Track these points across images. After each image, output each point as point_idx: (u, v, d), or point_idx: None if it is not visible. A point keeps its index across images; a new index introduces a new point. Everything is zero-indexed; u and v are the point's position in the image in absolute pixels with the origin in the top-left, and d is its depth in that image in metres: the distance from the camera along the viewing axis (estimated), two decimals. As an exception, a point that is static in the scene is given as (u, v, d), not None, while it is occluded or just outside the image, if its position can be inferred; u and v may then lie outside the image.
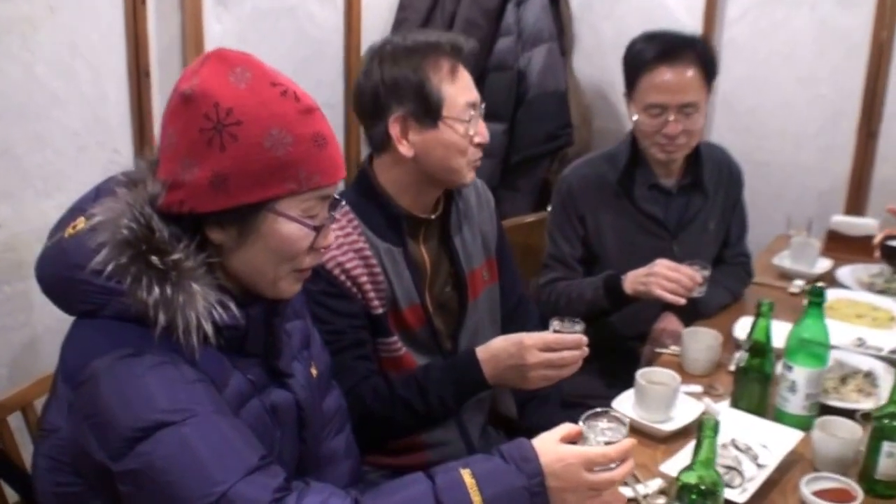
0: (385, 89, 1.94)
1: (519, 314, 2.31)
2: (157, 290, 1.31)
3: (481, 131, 1.99)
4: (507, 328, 2.22)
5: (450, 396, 1.95)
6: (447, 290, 2.12)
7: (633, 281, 2.42)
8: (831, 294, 2.72)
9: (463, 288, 2.12)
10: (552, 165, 3.64)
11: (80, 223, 1.40)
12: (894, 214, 2.35)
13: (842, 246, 3.12)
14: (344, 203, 1.96)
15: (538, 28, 3.48)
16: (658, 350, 2.45)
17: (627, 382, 2.38)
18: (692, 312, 2.53)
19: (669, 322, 2.58)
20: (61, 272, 1.39)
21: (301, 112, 1.40)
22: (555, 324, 1.91)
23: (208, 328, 1.34)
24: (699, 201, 2.69)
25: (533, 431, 2.19)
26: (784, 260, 3.01)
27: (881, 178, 3.56)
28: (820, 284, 2.02)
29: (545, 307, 2.59)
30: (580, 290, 2.57)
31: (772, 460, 1.85)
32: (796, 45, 3.56)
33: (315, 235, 1.45)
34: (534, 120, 3.44)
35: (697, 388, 2.20)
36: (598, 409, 1.59)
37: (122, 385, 1.30)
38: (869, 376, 2.22)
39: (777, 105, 3.65)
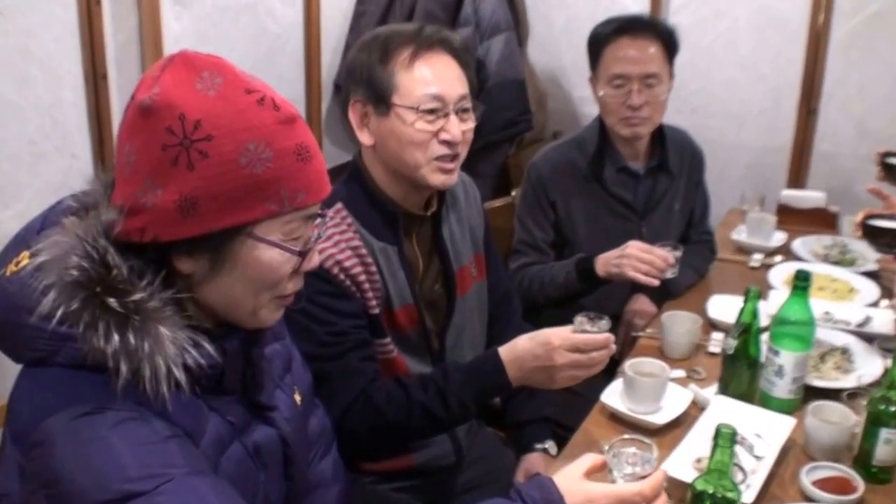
0: (347, 73, 1.76)
1: (504, 309, 2.07)
2: (116, 338, 1.02)
3: (448, 128, 1.69)
4: (493, 324, 2.01)
5: (471, 400, 1.67)
6: (436, 288, 1.87)
7: (605, 263, 2.21)
8: (790, 267, 2.55)
9: (452, 285, 1.86)
10: (510, 150, 3.39)
11: (24, 259, 1.10)
12: (875, 194, 2.14)
13: (792, 219, 2.97)
14: (338, 204, 1.73)
15: (495, 19, 3.22)
16: (634, 334, 2.23)
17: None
18: (662, 292, 2.33)
19: (641, 303, 2.40)
20: (4, 315, 1.09)
21: (281, 122, 1.11)
22: (580, 320, 1.67)
23: (180, 374, 1.05)
24: (665, 183, 2.48)
25: (521, 426, 2.01)
26: (741, 235, 2.83)
27: (820, 153, 3.40)
28: (803, 268, 1.81)
29: (517, 292, 2.34)
30: (552, 273, 2.34)
31: (769, 451, 1.65)
32: (738, 31, 3.36)
33: (299, 260, 1.18)
34: (494, 107, 3.18)
35: (681, 373, 1.99)
36: (626, 437, 1.44)
37: (82, 449, 1.00)
38: (846, 353, 2.04)
39: (721, 87, 3.45)
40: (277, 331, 1.40)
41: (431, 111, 1.67)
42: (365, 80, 1.68)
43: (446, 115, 1.68)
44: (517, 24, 3.37)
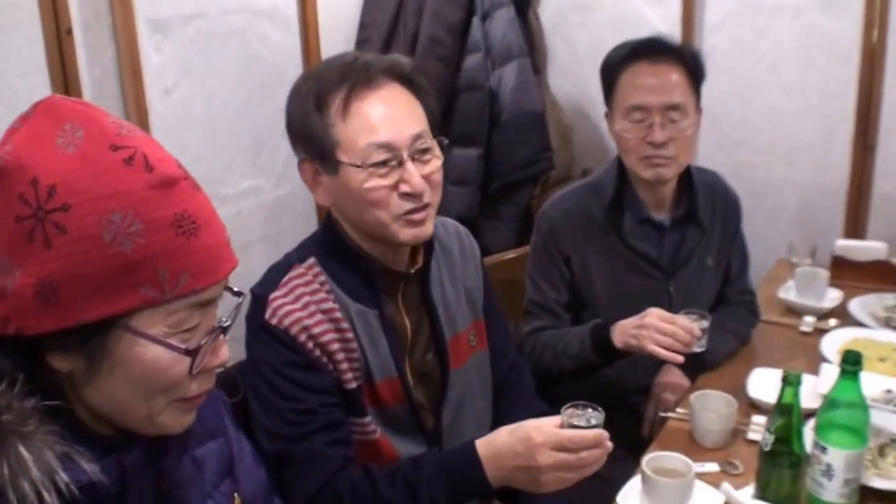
0: (288, 129, 1.57)
1: (513, 383, 1.88)
2: None
3: (409, 178, 1.51)
4: (498, 400, 1.83)
5: (444, 498, 1.49)
6: (429, 358, 1.68)
7: (622, 333, 2.01)
8: (847, 334, 2.34)
9: (444, 355, 1.68)
10: (535, 191, 3.21)
11: None
12: None
13: (849, 273, 2.74)
14: (311, 258, 1.56)
15: (507, 44, 3.05)
16: (663, 415, 2.01)
17: (630, 446, 2.00)
18: (697, 363, 2.11)
19: (672, 375, 2.18)
20: None
21: (154, 186, 0.95)
22: (569, 412, 1.48)
23: (52, 501, 0.88)
24: (695, 235, 2.26)
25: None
26: (790, 293, 2.61)
27: (881, 195, 3.15)
28: (852, 350, 1.59)
29: (529, 359, 2.18)
30: (566, 341, 2.14)
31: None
32: (782, 53, 3.14)
33: (192, 360, 1.00)
34: (510, 143, 3.02)
35: (713, 467, 1.77)
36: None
37: None
38: (910, 444, 1.79)
39: (765, 118, 3.23)
40: (214, 426, 1.23)
41: (382, 163, 1.49)
42: (303, 136, 1.53)
43: (401, 164, 1.51)
44: (532, 48, 3.20)
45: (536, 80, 3.16)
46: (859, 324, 2.44)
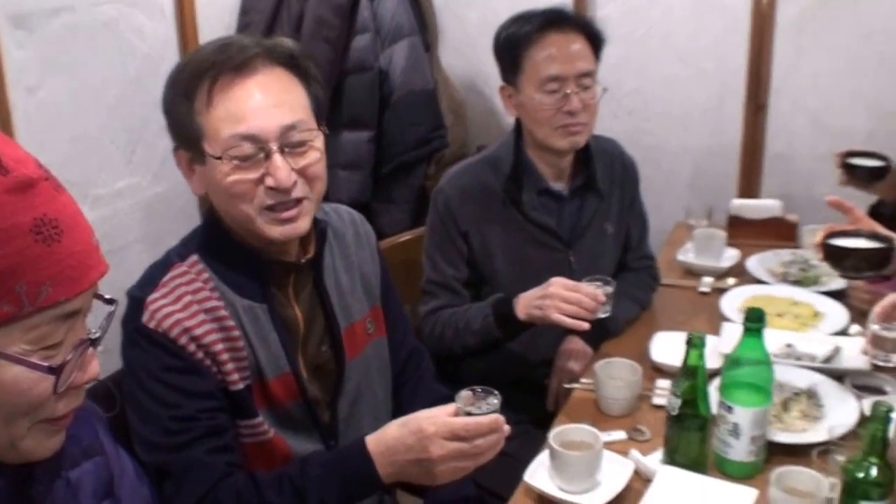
0: (165, 116, 1.49)
1: (412, 370, 1.83)
2: None
3: (274, 172, 1.42)
4: (400, 388, 1.78)
5: (334, 499, 1.42)
6: (324, 350, 1.61)
7: (526, 305, 1.98)
8: (746, 292, 2.38)
9: (339, 346, 1.61)
10: (428, 171, 3.15)
11: None
12: (836, 207, 1.92)
13: (745, 232, 2.79)
14: (194, 255, 1.48)
15: (397, 22, 2.98)
16: (568, 386, 1.99)
17: (535, 421, 2.05)
18: (599, 330, 2.09)
19: (575, 343, 2.17)
20: None
21: (11, 189, 0.87)
22: (463, 397, 1.43)
23: None
24: (594, 204, 2.25)
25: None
26: (688, 255, 2.64)
27: (773, 154, 3.21)
28: (754, 307, 1.59)
29: (429, 340, 2.14)
30: (468, 318, 2.10)
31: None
32: (673, 20, 3.16)
33: (56, 378, 0.91)
34: (402, 123, 2.96)
35: (620, 435, 1.76)
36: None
37: None
38: (813, 396, 1.82)
39: (658, 85, 3.24)
40: (88, 445, 1.14)
41: (246, 158, 1.42)
42: (173, 123, 1.46)
43: (268, 156, 1.43)
44: (423, 26, 3.14)
45: (428, 58, 3.11)
46: (757, 281, 2.48)
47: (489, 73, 3.33)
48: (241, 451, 1.50)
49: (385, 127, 2.99)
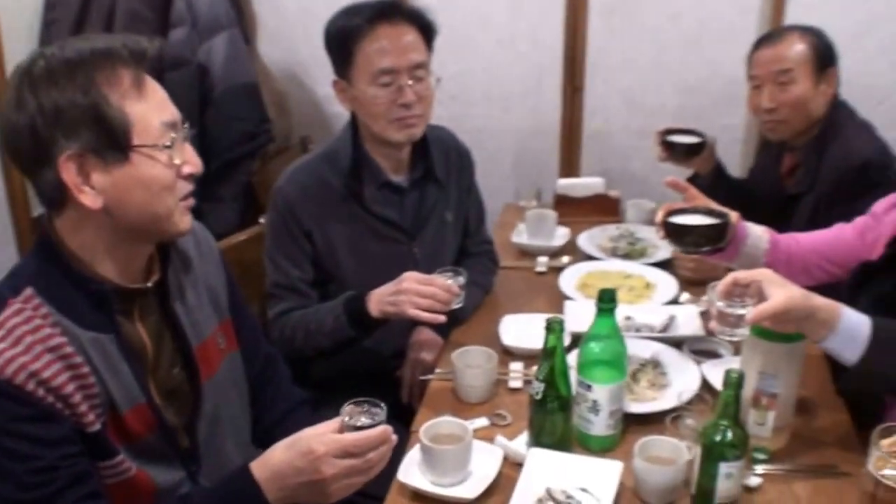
0: (46, 122, 1.31)
1: (268, 378, 1.78)
2: None
3: (190, 158, 1.42)
4: (255, 398, 1.72)
5: None
6: (175, 372, 1.53)
7: (379, 302, 1.99)
8: (580, 269, 2.47)
9: (193, 367, 1.54)
10: (254, 166, 3.08)
11: None
12: (673, 187, 2.03)
13: (573, 210, 2.91)
14: (28, 289, 1.35)
15: (214, 13, 2.89)
16: (424, 377, 2.01)
17: (395, 414, 1.99)
18: (448, 318, 2.10)
19: (425, 333, 2.20)
20: None
21: None
22: (348, 411, 1.40)
23: None
24: (434, 194, 2.28)
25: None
26: (522, 236, 2.72)
27: (590, 133, 3.36)
28: (607, 288, 1.66)
29: (279, 344, 2.10)
30: (319, 319, 2.08)
31: (601, 508, 1.48)
32: (491, 5, 3.23)
33: None
34: (226, 119, 2.87)
35: (483, 422, 1.79)
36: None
37: None
38: (657, 366, 1.93)
39: (479, 69, 3.31)
40: None
41: (170, 145, 1.37)
42: (88, 123, 1.32)
43: (182, 144, 1.41)
44: (241, 17, 3.05)
45: (248, 50, 3.03)
46: (589, 257, 2.58)
47: (309, 62, 3.33)
48: (104, 494, 1.41)
49: (208, 124, 2.89)
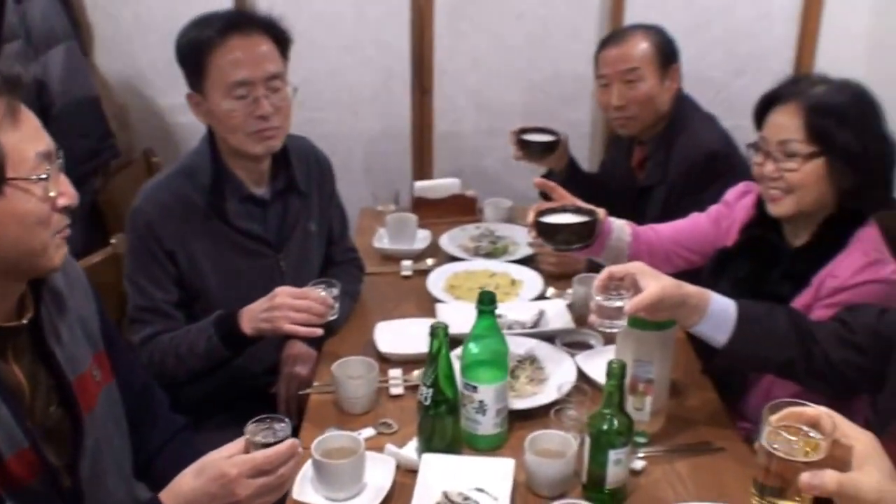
0: None
1: (146, 406, 1.72)
2: None
3: (66, 190, 1.38)
4: (135, 429, 1.66)
5: None
6: (52, 410, 1.45)
7: (252, 319, 1.97)
8: (446, 270, 2.52)
9: (72, 403, 1.47)
10: (97, 184, 2.97)
11: None
12: (541, 187, 2.09)
13: (432, 212, 2.94)
14: None
15: (49, 26, 2.76)
16: (304, 392, 2.00)
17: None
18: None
19: (298, 347, 2.19)
20: None
21: None
22: (252, 430, 1.39)
23: None
24: (297, 205, 2.26)
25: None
26: (384, 241, 2.72)
27: (441, 134, 3.42)
28: (487, 290, 1.70)
29: (149, 370, 2.00)
30: (189, 341, 2.03)
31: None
32: (336, 9, 3.23)
33: None
34: (67, 136, 2.66)
35: (370, 433, 1.80)
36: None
37: None
38: (534, 361, 2.00)
39: (326, 75, 3.29)
40: None
41: (45, 177, 1.32)
42: None
43: (57, 175, 1.36)
44: (78, 29, 2.92)
45: (87, 63, 2.91)
46: (453, 258, 2.63)
47: (148, 73, 3.23)
48: None
49: (48, 142, 2.75)
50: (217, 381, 2.10)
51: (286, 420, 1.41)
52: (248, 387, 2.18)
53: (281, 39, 2.11)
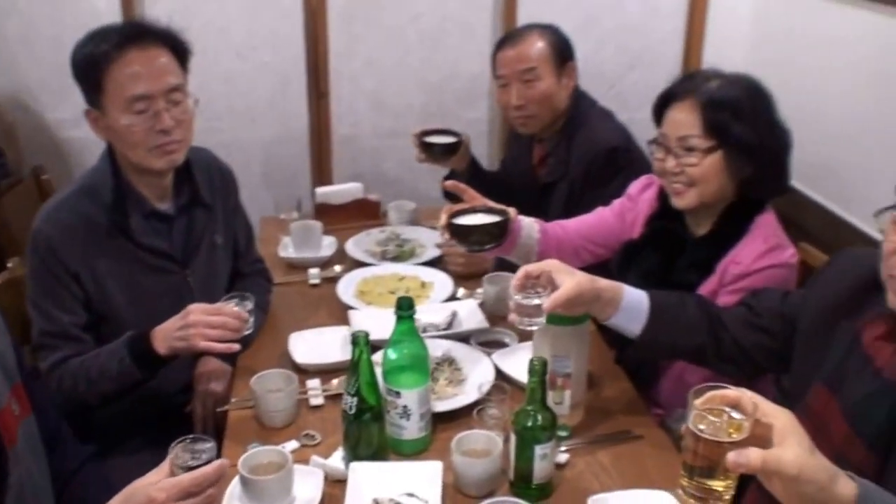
0: None
1: (55, 435, 1.67)
2: None
3: None
4: (52, 459, 1.61)
5: None
6: None
7: (166, 339, 1.93)
8: (355, 276, 2.53)
9: None
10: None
11: None
12: (452, 190, 2.11)
13: (335, 218, 2.93)
14: None
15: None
16: (222, 409, 1.98)
17: None
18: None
19: (211, 363, 2.15)
20: None
21: None
22: (177, 452, 1.38)
23: None
24: (202, 218, 2.23)
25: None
26: (289, 250, 2.70)
27: (340, 138, 3.41)
28: (405, 296, 1.73)
29: (59, 397, 1.99)
30: (101, 364, 1.98)
31: (431, 510, 1.56)
32: (228, 16, 3.19)
33: None
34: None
35: (294, 445, 1.79)
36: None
37: None
38: (452, 362, 2.03)
39: (221, 82, 3.25)
40: None
41: None
42: None
43: None
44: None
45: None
46: (360, 263, 2.62)
47: (34, 87, 3.13)
48: None
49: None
50: (130, 404, 2.06)
51: (210, 440, 1.40)
52: (163, 408, 2.14)
53: (180, 51, 2.08)
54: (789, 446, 1.09)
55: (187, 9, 3.08)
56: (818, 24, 2.90)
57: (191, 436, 1.40)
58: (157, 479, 1.33)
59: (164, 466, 1.36)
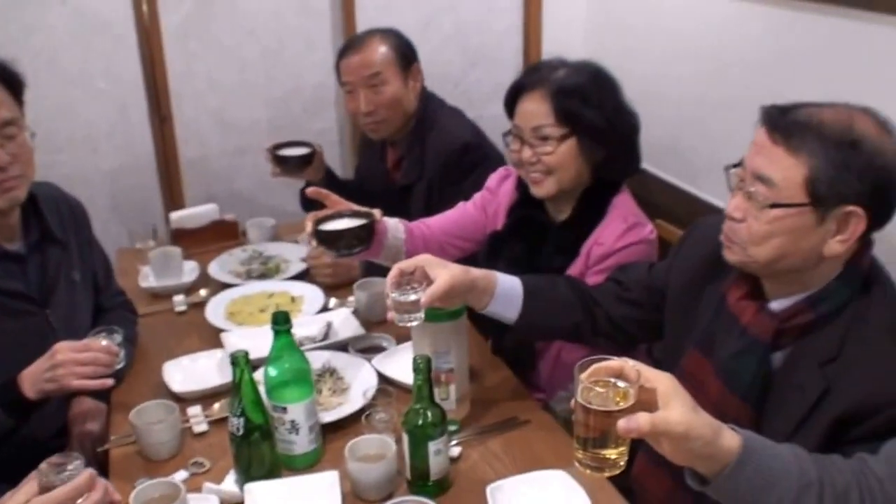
0: None
1: None
2: None
3: None
4: None
5: None
6: None
7: (34, 382, 1.87)
8: (223, 299, 2.50)
9: None
10: None
11: None
12: (315, 196, 2.10)
13: (194, 241, 2.88)
14: None
15: None
16: (102, 448, 1.93)
17: None
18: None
19: (85, 403, 2.09)
20: None
21: None
22: (45, 470, 1.33)
23: None
24: (56, 255, 2.16)
25: None
26: (150, 279, 2.64)
27: (187, 161, 3.34)
28: (280, 311, 1.74)
29: None
30: None
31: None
32: (56, 45, 3.06)
33: None
34: None
35: (184, 475, 1.77)
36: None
37: None
38: (333, 372, 2.05)
39: (56, 112, 3.11)
40: None
41: None
42: None
43: None
44: None
45: None
46: (226, 285, 2.60)
47: None
48: None
49: None
50: (4, 453, 1.98)
51: (77, 455, 1.37)
52: (36, 456, 2.05)
53: (13, 83, 2.01)
54: (674, 407, 1.16)
55: (13, 41, 2.96)
56: (654, 11, 3.04)
57: (56, 455, 1.36)
58: (28, 498, 1.30)
59: (33, 485, 1.31)
